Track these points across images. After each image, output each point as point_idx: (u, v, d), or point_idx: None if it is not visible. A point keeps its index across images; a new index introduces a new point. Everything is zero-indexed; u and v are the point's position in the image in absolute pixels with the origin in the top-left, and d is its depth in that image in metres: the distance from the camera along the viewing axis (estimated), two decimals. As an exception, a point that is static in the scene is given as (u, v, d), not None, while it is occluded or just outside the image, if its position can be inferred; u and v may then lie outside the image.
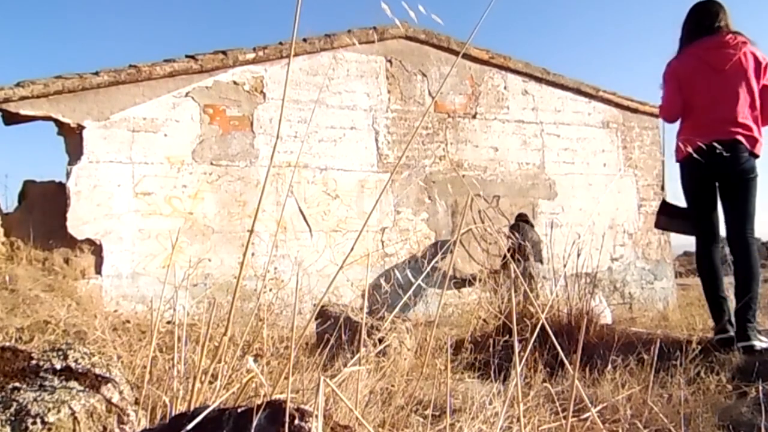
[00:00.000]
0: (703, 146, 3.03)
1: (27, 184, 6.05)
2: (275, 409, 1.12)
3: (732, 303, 3.31)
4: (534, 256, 6.81)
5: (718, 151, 3.04)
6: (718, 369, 3.16)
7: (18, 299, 4.40)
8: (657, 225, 3.96)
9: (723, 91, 3.25)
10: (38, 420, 1.32)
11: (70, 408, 1.37)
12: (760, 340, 3.19)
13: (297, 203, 6.59)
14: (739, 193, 3.25)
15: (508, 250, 6.65)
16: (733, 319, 3.31)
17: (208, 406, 1.17)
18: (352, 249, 1.63)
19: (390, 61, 7.53)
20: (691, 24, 3.40)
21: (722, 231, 3.43)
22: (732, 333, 3.28)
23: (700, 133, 3.18)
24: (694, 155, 2.93)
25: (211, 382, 1.62)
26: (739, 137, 3.21)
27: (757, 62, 3.26)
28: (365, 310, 3.13)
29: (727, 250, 3.43)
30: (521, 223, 7.52)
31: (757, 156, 3.27)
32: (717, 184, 3.34)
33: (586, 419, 2.05)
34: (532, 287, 5.26)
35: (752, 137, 3.26)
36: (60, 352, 1.56)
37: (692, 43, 3.35)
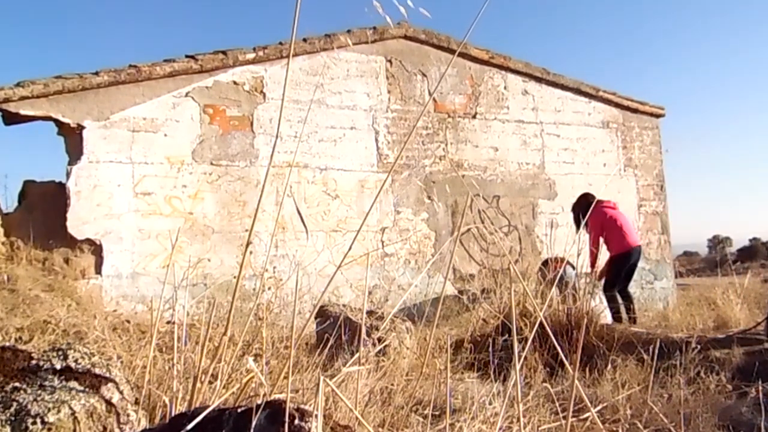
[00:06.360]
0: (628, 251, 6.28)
1: (27, 184, 6.04)
2: (275, 408, 1.12)
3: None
4: None
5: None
6: (718, 369, 3.17)
7: (18, 299, 4.40)
8: None
9: (625, 225, 6.40)
10: (38, 420, 1.32)
11: (70, 408, 1.37)
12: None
13: (295, 204, 6.58)
14: (633, 272, 6.50)
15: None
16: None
17: (208, 406, 1.17)
18: (350, 248, 1.63)
19: (390, 61, 7.52)
20: (586, 202, 6.29)
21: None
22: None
23: (623, 245, 6.26)
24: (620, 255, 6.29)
25: (211, 382, 1.62)
26: (640, 245, 6.58)
27: (623, 217, 6.53)
28: (365, 309, 3.12)
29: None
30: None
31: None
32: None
33: (586, 419, 2.05)
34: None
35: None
36: (60, 352, 1.56)
37: (597, 207, 6.02)
